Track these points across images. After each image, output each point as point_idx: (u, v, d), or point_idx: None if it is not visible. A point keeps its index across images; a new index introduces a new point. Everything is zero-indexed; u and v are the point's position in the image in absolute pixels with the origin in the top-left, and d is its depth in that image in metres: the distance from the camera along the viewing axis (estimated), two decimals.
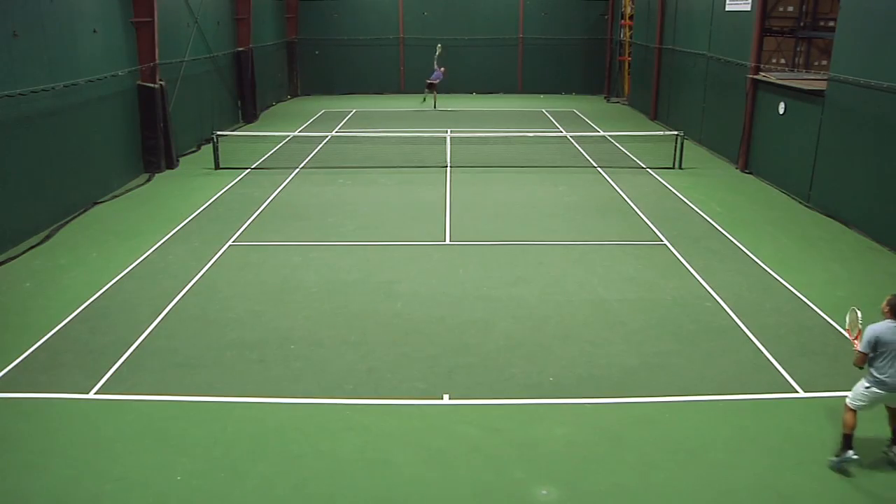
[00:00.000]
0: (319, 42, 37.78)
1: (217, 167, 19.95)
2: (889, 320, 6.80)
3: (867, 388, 6.86)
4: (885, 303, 6.89)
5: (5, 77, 13.21)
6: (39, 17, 14.36)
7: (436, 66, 32.31)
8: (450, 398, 8.37)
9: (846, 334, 7.35)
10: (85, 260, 12.86)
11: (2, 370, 8.94)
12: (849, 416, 6.95)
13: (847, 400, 7.06)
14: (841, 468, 6.98)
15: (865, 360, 6.83)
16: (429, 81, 32.06)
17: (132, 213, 15.78)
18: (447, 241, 13.93)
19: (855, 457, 6.88)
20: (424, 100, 33.18)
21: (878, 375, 6.76)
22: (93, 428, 7.78)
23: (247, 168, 20.03)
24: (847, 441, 6.94)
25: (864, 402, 6.91)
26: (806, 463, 7.18)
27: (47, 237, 14.04)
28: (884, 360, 6.71)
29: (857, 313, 7.28)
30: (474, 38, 37.89)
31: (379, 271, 12.30)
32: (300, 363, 9.18)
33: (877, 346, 6.73)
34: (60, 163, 15.19)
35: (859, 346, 6.86)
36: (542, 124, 28.06)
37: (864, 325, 7.07)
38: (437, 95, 32.30)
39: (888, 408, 7.07)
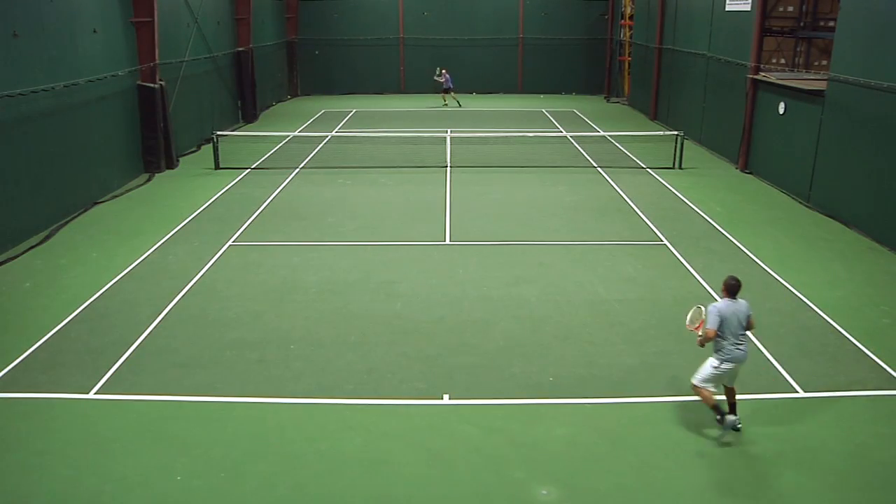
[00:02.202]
0: (319, 42, 37.79)
1: (217, 167, 19.96)
2: (727, 299, 7.47)
3: (716, 366, 7.47)
4: (723, 283, 7.56)
5: (5, 77, 13.21)
6: (39, 17, 14.36)
7: (442, 74, 32.56)
8: (450, 398, 8.37)
9: (690, 328, 7.76)
10: (85, 260, 12.86)
11: (2, 370, 8.94)
12: (705, 393, 7.55)
13: (695, 380, 7.61)
14: (734, 429, 7.54)
15: (714, 335, 7.35)
16: (444, 88, 32.60)
17: (132, 213, 15.78)
18: (447, 241, 13.93)
19: (733, 417, 7.51)
20: (446, 103, 33.16)
21: (727, 350, 7.39)
22: (93, 428, 7.78)
23: (247, 168, 20.03)
24: (718, 409, 7.57)
25: (712, 379, 7.53)
26: (806, 463, 7.18)
27: (47, 237, 14.05)
28: (728, 334, 7.36)
29: (701, 309, 7.73)
30: (474, 38, 37.89)
31: (379, 271, 12.30)
32: (300, 363, 9.18)
33: (722, 323, 7.34)
34: (60, 163, 15.19)
35: (707, 325, 7.37)
36: (542, 124, 28.06)
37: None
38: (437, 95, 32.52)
39: (729, 387, 7.72)
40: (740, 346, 7.41)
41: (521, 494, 6.76)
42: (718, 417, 7.62)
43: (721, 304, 7.46)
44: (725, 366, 7.44)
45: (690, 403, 8.26)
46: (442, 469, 7.13)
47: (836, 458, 7.26)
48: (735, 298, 7.46)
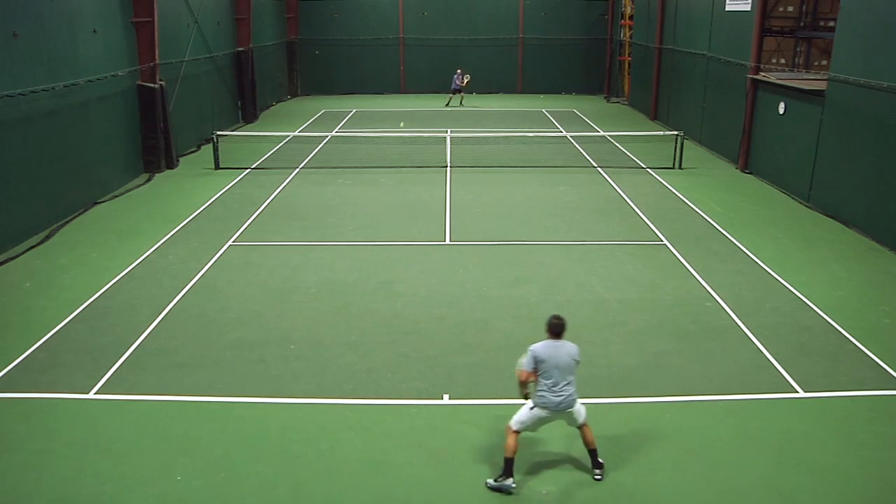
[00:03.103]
0: (319, 42, 37.79)
1: (217, 167, 19.96)
2: (548, 339, 6.73)
3: (532, 408, 6.75)
4: (546, 323, 6.80)
5: (5, 77, 13.21)
6: (39, 17, 14.36)
7: (458, 75, 32.87)
8: (450, 398, 8.38)
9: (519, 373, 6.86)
10: (85, 260, 12.85)
11: (2, 370, 8.94)
12: (511, 440, 6.76)
13: (511, 423, 6.86)
14: (499, 489, 6.76)
15: (528, 377, 6.68)
16: (454, 88, 32.89)
17: (132, 213, 15.78)
18: (447, 241, 13.93)
19: (513, 485, 6.74)
20: (457, 102, 33.18)
21: (541, 395, 6.67)
22: (93, 428, 7.78)
23: (247, 168, 20.03)
24: (508, 466, 6.75)
25: (528, 422, 6.79)
26: (806, 463, 7.19)
27: (47, 237, 14.04)
28: (546, 378, 6.62)
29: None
30: (474, 38, 37.90)
31: (379, 271, 12.30)
32: (300, 363, 9.17)
33: (537, 364, 6.63)
34: (60, 163, 15.19)
35: (522, 366, 6.74)
36: (542, 124, 28.06)
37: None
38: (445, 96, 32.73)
39: (580, 430, 6.97)
40: (560, 393, 6.61)
41: (521, 494, 6.76)
42: (501, 474, 6.81)
43: (539, 345, 6.68)
44: (537, 411, 6.71)
45: (690, 403, 8.27)
46: (442, 469, 7.13)
47: (836, 458, 7.26)
48: (559, 339, 6.71)
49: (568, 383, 6.66)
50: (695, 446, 7.46)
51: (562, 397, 6.64)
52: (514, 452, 6.76)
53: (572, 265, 12.59)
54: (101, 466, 7.13)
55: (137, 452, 7.34)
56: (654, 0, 28.63)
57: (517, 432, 6.81)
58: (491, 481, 6.84)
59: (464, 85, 32.63)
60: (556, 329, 6.71)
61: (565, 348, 6.69)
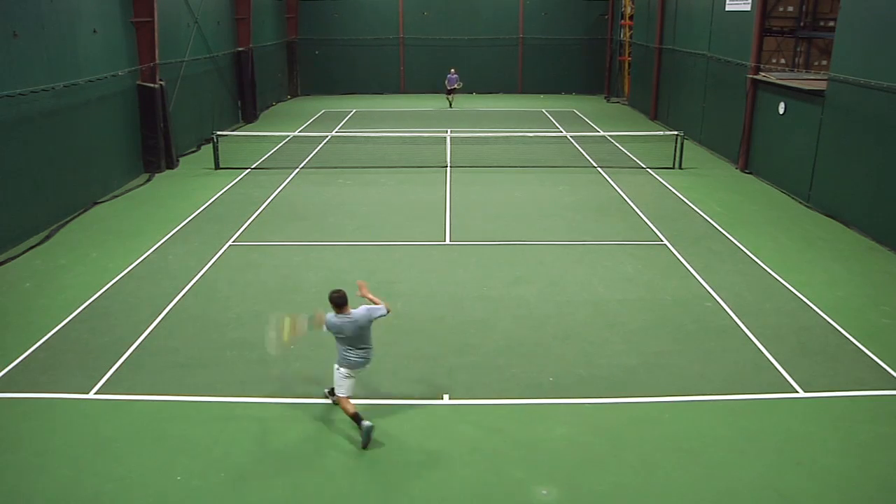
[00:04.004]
0: (319, 42, 37.79)
1: (217, 167, 19.96)
2: (332, 313, 7.50)
3: (340, 371, 7.63)
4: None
5: (5, 77, 13.21)
6: (39, 17, 14.36)
7: (452, 75, 32.73)
8: (450, 398, 8.37)
9: (289, 336, 7.61)
10: (85, 260, 12.85)
11: (2, 370, 8.94)
12: (345, 404, 7.61)
13: (338, 394, 7.69)
14: (367, 438, 7.45)
15: (323, 321, 7.47)
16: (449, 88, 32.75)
17: (132, 213, 15.78)
18: (447, 241, 13.93)
19: (369, 423, 7.50)
20: (451, 103, 33.13)
21: (342, 357, 7.59)
22: (93, 428, 7.78)
23: (247, 168, 20.03)
24: (357, 418, 7.53)
25: (346, 384, 7.64)
26: (806, 463, 7.19)
27: (47, 237, 14.04)
28: (341, 343, 7.54)
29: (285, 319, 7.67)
30: (474, 38, 37.90)
31: (379, 271, 12.29)
32: (300, 363, 9.17)
33: (333, 331, 7.50)
34: (60, 163, 15.19)
35: (325, 319, 7.48)
36: (542, 124, 28.06)
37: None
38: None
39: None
40: (355, 355, 7.53)
41: (521, 494, 6.76)
42: (357, 425, 7.55)
43: (330, 315, 7.48)
44: (344, 370, 7.59)
45: (690, 403, 8.27)
46: (442, 469, 7.13)
47: (836, 458, 7.26)
48: (343, 311, 7.41)
49: (362, 346, 7.57)
50: (695, 446, 7.46)
51: (357, 359, 7.57)
52: (354, 408, 7.60)
53: (572, 265, 12.59)
54: (101, 466, 7.13)
55: (137, 452, 7.34)
56: (654, 0, 28.63)
57: (347, 398, 7.65)
58: (362, 439, 7.49)
59: (457, 87, 32.51)
60: (334, 302, 7.45)
61: (353, 317, 7.45)
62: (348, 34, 37.71)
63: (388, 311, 7.68)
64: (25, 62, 13.88)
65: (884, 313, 10.66)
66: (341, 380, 7.65)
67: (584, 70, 38.32)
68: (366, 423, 7.45)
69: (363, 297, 7.79)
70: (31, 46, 14.06)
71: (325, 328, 7.48)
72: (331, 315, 7.48)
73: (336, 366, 7.66)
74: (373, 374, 8.90)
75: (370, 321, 7.55)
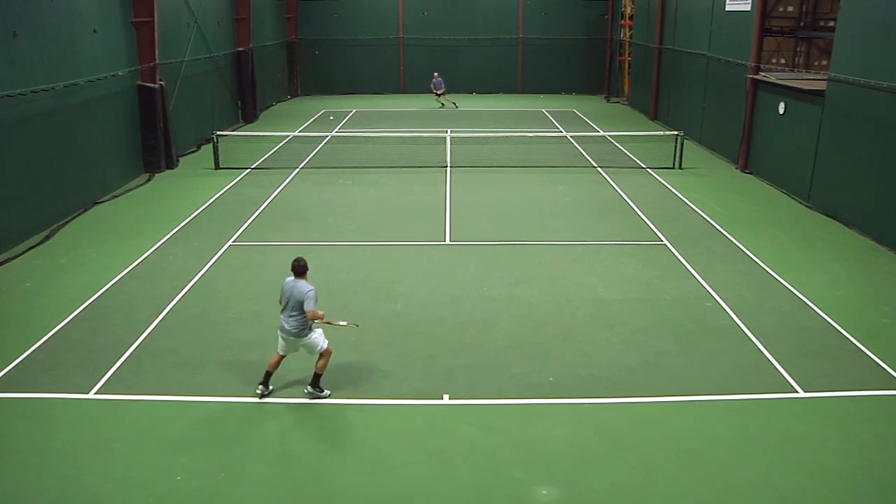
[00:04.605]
0: (319, 42, 37.78)
1: (217, 167, 19.96)
2: (291, 277, 8.16)
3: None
4: None
5: (5, 77, 13.21)
6: (39, 17, 14.36)
7: (437, 79, 32.69)
8: (450, 398, 8.37)
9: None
10: (85, 260, 12.86)
11: (2, 370, 8.94)
12: (274, 358, 8.35)
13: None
14: (262, 395, 8.29)
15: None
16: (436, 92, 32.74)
17: (132, 213, 15.78)
18: (447, 241, 13.93)
19: (262, 389, 8.31)
20: (443, 105, 33.08)
21: (281, 321, 8.13)
22: (93, 428, 7.78)
23: (247, 168, 20.03)
24: (266, 377, 8.37)
25: (280, 344, 8.26)
26: (806, 463, 7.19)
27: (47, 237, 14.04)
28: (283, 309, 8.10)
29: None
30: (474, 38, 37.89)
31: (379, 271, 12.30)
32: (300, 363, 9.16)
33: (281, 297, 8.13)
34: (60, 163, 15.19)
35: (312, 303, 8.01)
36: (542, 124, 28.07)
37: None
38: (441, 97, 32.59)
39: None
40: (287, 321, 8.05)
41: (521, 494, 6.76)
42: (261, 382, 8.35)
43: (286, 280, 8.19)
44: (280, 334, 8.19)
45: (690, 403, 8.27)
46: (442, 469, 7.13)
47: (836, 458, 7.26)
48: (299, 279, 8.07)
49: (294, 314, 8.00)
50: (695, 446, 7.46)
51: (287, 326, 8.04)
52: (274, 368, 8.40)
53: (572, 265, 12.59)
54: (101, 466, 7.13)
55: (137, 452, 7.34)
56: (654, 0, 28.63)
57: (281, 356, 8.34)
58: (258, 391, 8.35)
59: (441, 92, 32.47)
60: (294, 270, 8.14)
61: (298, 286, 8.00)
62: (348, 34, 37.70)
63: (320, 316, 8.04)
64: (25, 62, 13.88)
65: (884, 313, 10.66)
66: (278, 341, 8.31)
67: (584, 70, 38.32)
68: (261, 387, 8.32)
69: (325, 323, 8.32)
70: (31, 46, 14.06)
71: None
72: (286, 280, 8.21)
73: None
74: (373, 374, 8.92)
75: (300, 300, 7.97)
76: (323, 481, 6.95)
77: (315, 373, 8.32)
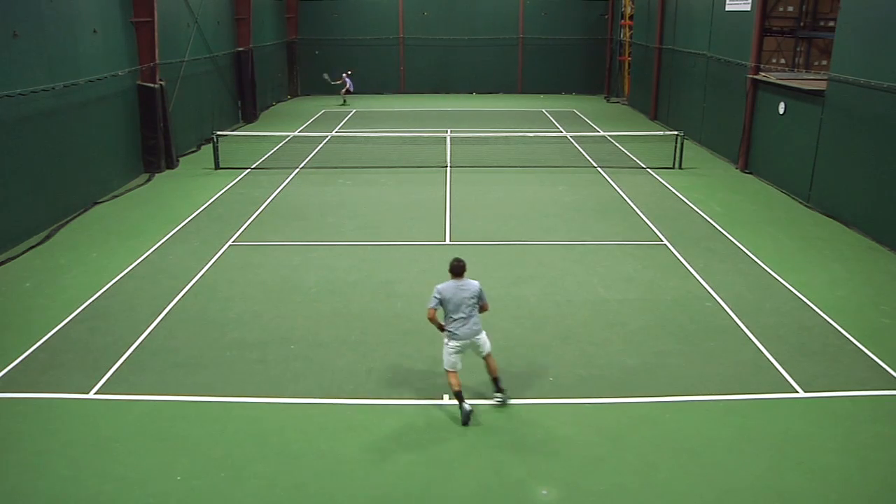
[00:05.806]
0: (319, 42, 37.78)
1: (217, 167, 19.96)
2: (451, 280, 7.85)
3: (448, 345, 7.83)
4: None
5: (5, 77, 13.21)
6: (39, 17, 14.36)
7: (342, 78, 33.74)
8: (450, 398, 8.36)
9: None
10: (85, 260, 12.86)
11: (2, 370, 8.94)
12: (451, 378, 7.88)
13: (444, 367, 7.93)
14: (466, 418, 7.78)
15: (433, 316, 7.82)
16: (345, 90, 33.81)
17: (132, 213, 15.78)
18: (447, 241, 13.93)
19: (469, 408, 7.82)
20: (344, 102, 34.05)
21: (451, 329, 7.78)
22: (93, 428, 7.78)
23: (247, 168, 20.03)
24: (459, 396, 7.85)
25: (453, 359, 7.86)
26: (806, 463, 7.19)
27: (47, 237, 14.04)
28: (450, 315, 7.75)
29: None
30: (474, 38, 37.89)
31: (379, 271, 12.30)
32: (300, 363, 9.17)
33: (443, 302, 7.75)
34: (60, 163, 15.19)
35: (427, 304, 7.88)
36: (542, 124, 28.07)
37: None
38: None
39: (484, 360, 8.05)
40: (465, 325, 7.75)
41: (521, 494, 6.76)
42: (459, 405, 7.89)
43: (443, 284, 7.82)
44: (454, 343, 7.78)
45: (690, 403, 8.27)
46: (442, 469, 7.13)
47: (836, 458, 7.26)
48: (461, 279, 7.82)
49: (471, 315, 7.75)
50: (695, 446, 7.46)
51: (468, 328, 7.75)
52: (459, 387, 7.85)
53: (572, 265, 12.59)
54: (101, 466, 7.13)
55: (137, 452, 7.34)
56: (654, 0, 28.64)
57: (454, 372, 7.86)
58: (466, 407, 7.83)
59: (340, 85, 33.49)
60: (454, 271, 7.84)
61: (468, 286, 7.78)
62: (348, 34, 37.70)
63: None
64: (25, 62, 13.88)
65: (884, 313, 10.66)
66: (448, 353, 7.88)
67: (584, 70, 38.32)
68: (465, 406, 7.80)
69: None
70: (31, 46, 14.06)
71: (433, 302, 7.79)
72: (442, 284, 7.84)
73: (446, 340, 7.88)
74: (373, 374, 8.92)
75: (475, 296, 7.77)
76: (323, 481, 6.95)
77: (494, 377, 8.12)
